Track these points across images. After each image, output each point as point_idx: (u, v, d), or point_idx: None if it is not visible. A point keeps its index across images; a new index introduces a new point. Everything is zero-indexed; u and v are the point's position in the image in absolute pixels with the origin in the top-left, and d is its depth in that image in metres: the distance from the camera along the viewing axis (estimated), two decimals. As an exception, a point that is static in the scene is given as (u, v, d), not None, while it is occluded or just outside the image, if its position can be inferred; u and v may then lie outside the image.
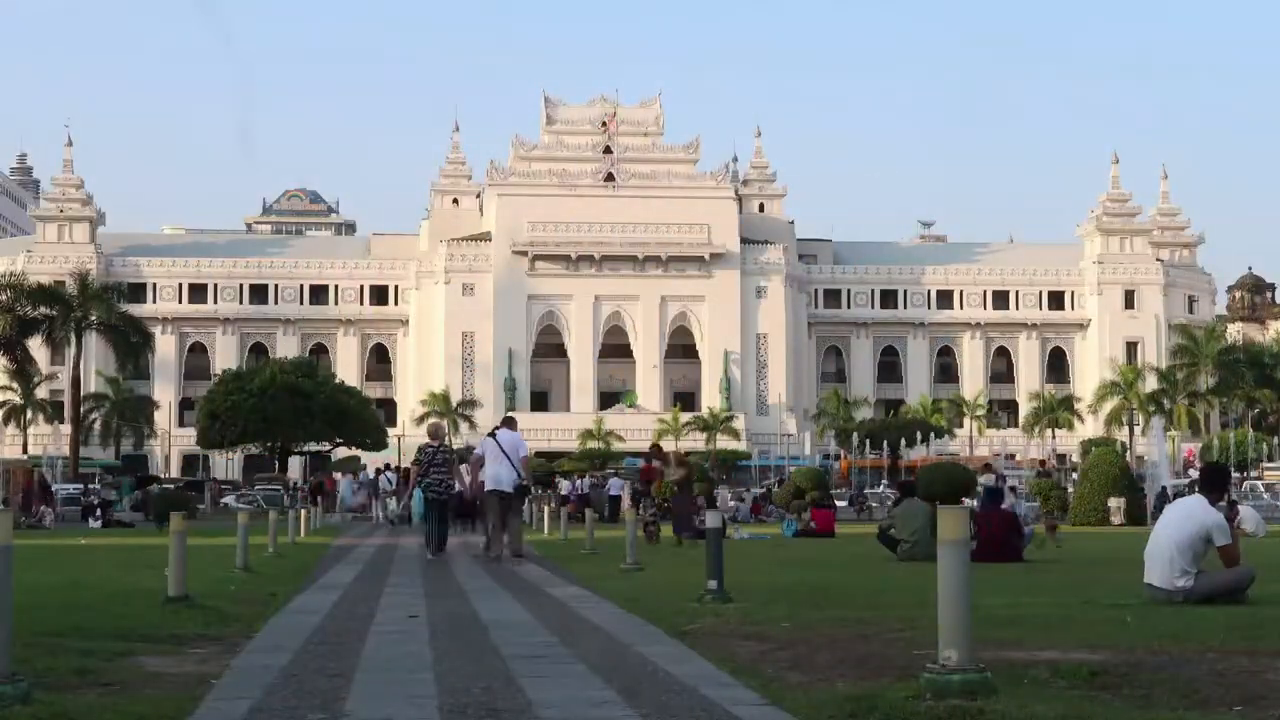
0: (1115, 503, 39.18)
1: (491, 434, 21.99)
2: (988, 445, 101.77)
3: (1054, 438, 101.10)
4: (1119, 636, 8.94)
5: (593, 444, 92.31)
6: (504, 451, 21.22)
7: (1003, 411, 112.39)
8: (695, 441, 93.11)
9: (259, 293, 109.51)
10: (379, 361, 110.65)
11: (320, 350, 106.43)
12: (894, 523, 20.53)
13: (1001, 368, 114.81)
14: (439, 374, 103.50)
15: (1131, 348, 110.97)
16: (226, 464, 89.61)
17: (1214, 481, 12.03)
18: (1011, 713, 5.99)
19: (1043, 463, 66.36)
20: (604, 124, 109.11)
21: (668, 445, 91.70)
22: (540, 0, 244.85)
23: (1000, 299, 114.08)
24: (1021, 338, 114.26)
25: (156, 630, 9.81)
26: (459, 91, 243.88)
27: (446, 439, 25.37)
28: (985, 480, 37.19)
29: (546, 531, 31.86)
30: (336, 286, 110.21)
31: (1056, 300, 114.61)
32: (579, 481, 55.46)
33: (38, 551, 22.57)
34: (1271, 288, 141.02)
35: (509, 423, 22.41)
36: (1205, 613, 10.31)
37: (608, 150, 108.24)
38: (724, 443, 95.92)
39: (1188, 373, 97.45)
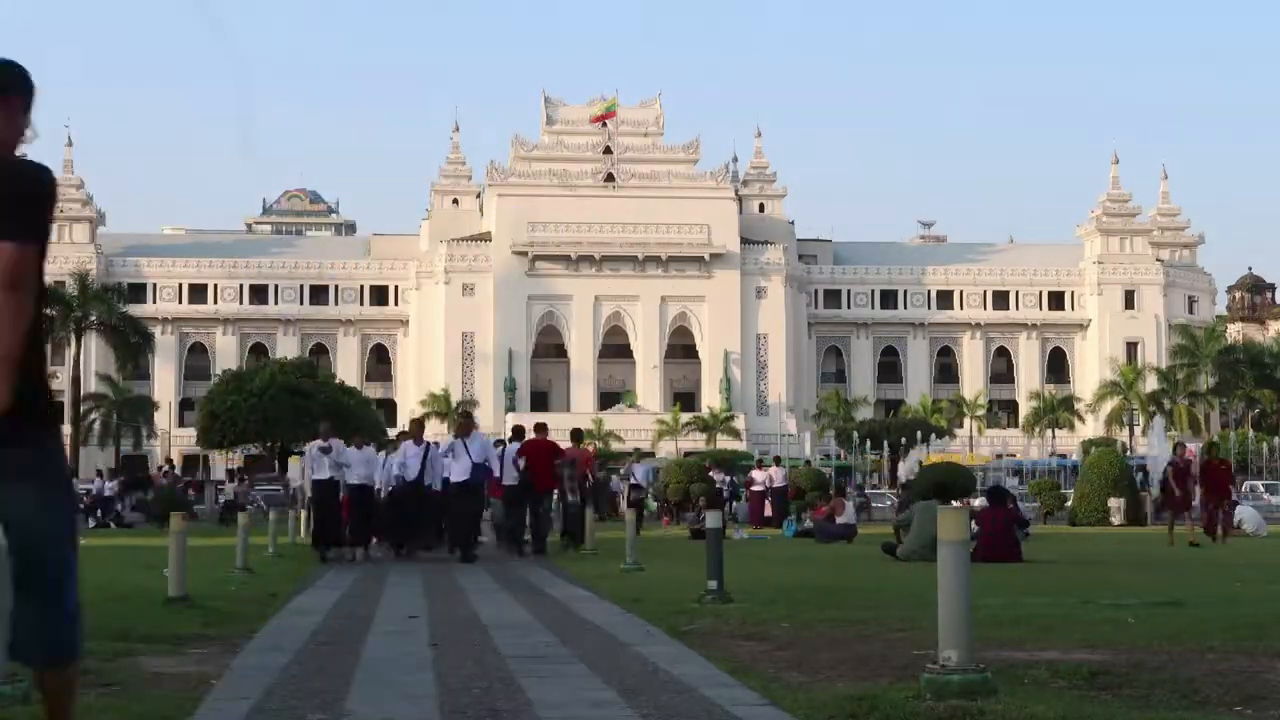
0: (1115, 503, 39.21)
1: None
2: (988, 445, 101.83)
3: (1054, 438, 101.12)
4: (1119, 636, 8.94)
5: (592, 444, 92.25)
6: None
7: (1003, 411, 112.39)
8: (695, 442, 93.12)
9: (259, 293, 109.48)
10: (379, 361, 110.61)
11: (320, 350, 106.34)
12: (910, 519, 20.40)
13: (1001, 368, 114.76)
14: (439, 374, 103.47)
15: (1131, 348, 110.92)
16: (227, 464, 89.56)
17: None
18: (1011, 713, 5.98)
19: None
20: (603, 121, 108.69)
21: (667, 446, 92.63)
22: (540, 0, 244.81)
23: (1000, 299, 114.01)
24: (1021, 338, 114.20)
25: (156, 630, 9.81)
26: (459, 91, 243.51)
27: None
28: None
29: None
30: (336, 286, 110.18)
31: (1056, 300, 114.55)
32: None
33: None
34: (1271, 288, 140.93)
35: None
36: (1205, 613, 10.31)
37: (608, 150, 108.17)
38: (724, 443, 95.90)
39: (1188, 373, 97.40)
